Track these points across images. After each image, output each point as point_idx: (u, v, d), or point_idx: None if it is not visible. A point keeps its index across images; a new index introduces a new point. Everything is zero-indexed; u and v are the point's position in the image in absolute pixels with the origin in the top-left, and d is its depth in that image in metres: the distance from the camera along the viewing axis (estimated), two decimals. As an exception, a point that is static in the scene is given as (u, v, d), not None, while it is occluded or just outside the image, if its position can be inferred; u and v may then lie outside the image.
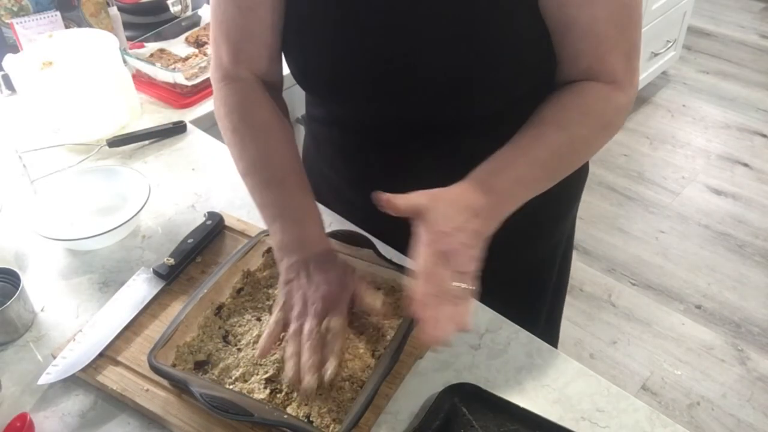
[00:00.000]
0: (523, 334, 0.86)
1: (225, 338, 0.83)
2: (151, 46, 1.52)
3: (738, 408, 1.88)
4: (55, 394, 0.82)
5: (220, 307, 0.86)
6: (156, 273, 0.92)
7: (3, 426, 0.77)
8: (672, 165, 2.75)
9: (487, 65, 0.79)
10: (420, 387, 0.79)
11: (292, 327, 0.77)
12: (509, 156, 0.77)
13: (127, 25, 1.53)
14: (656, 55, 2.89)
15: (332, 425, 0.73)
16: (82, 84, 1.21)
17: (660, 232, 2.45)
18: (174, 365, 0.80)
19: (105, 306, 0.89)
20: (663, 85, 3.20)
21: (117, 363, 0.82)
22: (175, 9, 1.58)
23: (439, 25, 0.77)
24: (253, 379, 0.77)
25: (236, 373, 0.78)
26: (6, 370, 0.85)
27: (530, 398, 0.78)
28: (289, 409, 0.74)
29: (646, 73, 2.92)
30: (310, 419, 0.73)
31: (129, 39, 1.52)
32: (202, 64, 1.41)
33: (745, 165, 2.74)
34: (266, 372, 0.78)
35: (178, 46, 1.52)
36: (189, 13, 1.61)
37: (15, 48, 1.37)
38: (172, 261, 0.92)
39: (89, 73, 1.22)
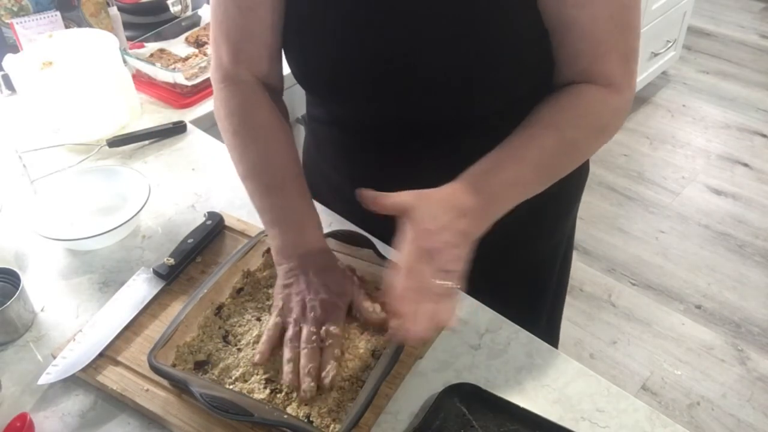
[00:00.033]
0: (523, 334, 0.86)
1: (225, 338, 0.83)
2: (151, 46, 1.52)
3: (738, 408, 1.88)
4: (55, 394, 0.82)
5: (220, 307, 0.86)
6: (156, 273, 0.92)
7: (3, 426, 0.77)
8: (672, 165, 2.75)
9: (487, 65, 0.79)
10: (420, 387, 0.79)
11: (290, 331, 0.77)
12: (500, 158, 0.76)
13: (127, 25, 1.53)
14: (656, 55, 2.89)
15: (332, 425, 0.73)
16: (82, 84, 1.21)
17: (660, 232, 2.45)
18: (174, 365, 0.80)
19: (105, 306, 0.89)
20: (663, 85, 3.20)
21: (117, 363, 0.82)
22: (175, 9, 1.58)
23: (439, 25, 0.77)
24: (253, 379, 0.77)
25: (236, 373, 0.78)
26: (6, 370, 0.85)
27: (530, 398, 0.78)
28: (289, 409, 0.74)
29: (646, 73, 2.92)
30: (310, 419, 0.73)
31: (129, 39, 1.52)
32: (202, 64, 1.41)
33: (745, 165, 2.74)
34: (266, 372, 0.78)
35: (178, 46, 1.52)
36: (189, 13, 1.61)
37: (15, 48, 1.37)
38: (172, 261, 0.92)
39: (89, 73, 1.22)
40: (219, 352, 0.81)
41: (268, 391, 0.76)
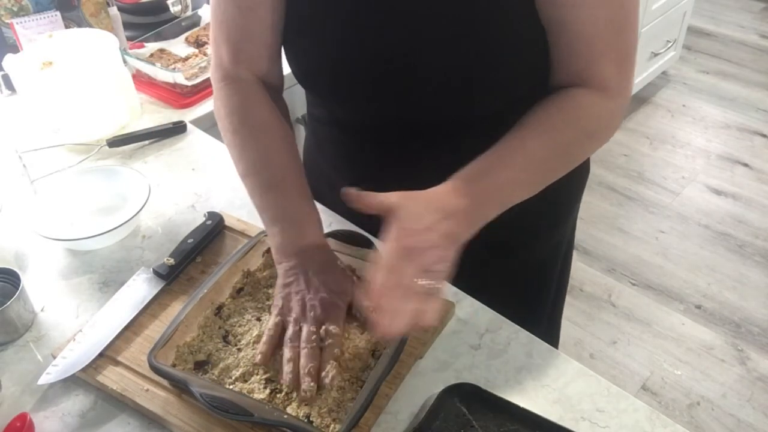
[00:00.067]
0: (523, 334, 0.86)
1: (225, 338, 0.83)
2: (151, 46, 1.52)
3: (738, 408, 1.88)
4: (55, 394, 0.82)
5: (220, 307, 0.86)
6: (156, 273, 0.92)
7: (3, 426, 0.77)
8: (672, 165, 2.75)
9: (487, 65, 0.79)
10: (420, 387, 0.79)
11: (290, 331, 0.77)
12: (489, 161, 0.76)
13: (127, 25, 1.53)
14: (656, 55, 2.89)
15: (332, 425, 0.73)
16: (82, 84, 1.21)
17: (660, 232, 2.45)
18: (174, 365, 0.80)
19: (105, 306, 0.89)
20: (663, 85, 3.20)
21: (117, 363, 0.82)
22: (175, 9, 1.58)
23: (439, 25, 0.77)
24: (253, 379, 0.77)
25: (236, 373, 0.78)
26: (6, 370, 0.85)
27: (530, 398, 0.78)
28: (289, 409, 0.74)
29: (646, 73, 2.92)
30: (310, 419, 0.73)
31: (129, 39, 1.52)
32: (202, 64, 1.41)
33: (745, 165, 2.74)
34: (266, 372, 0.78)
35: (178, 46, 1.52)
36: (189, 13, 1.61)
37: (15, 48, 1.37)
38: (172, 261, 0.92)
39: (89, 73, 1.22)
40: (219, 352, 0.81)
41: (268, 391, 0.76)
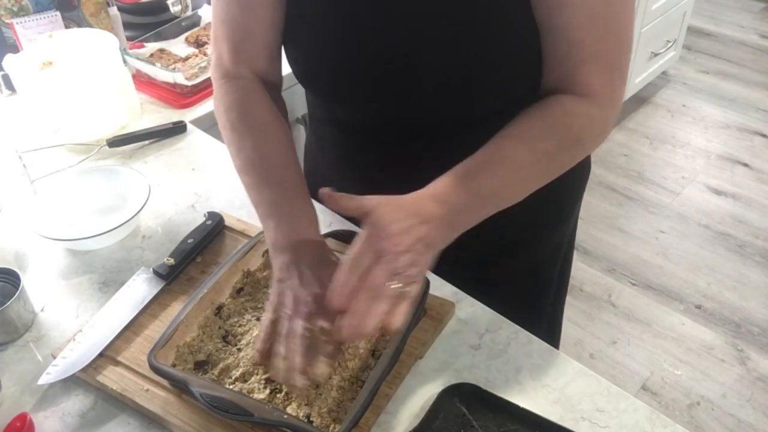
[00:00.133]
0: (523, 334, 0.86)
1: (225, 338, 0.83)
2: (151, 46, 1.52)
3: (738, 408, 1.88)
4: (55, 394, 0.82)
5: (220, 307, 0.86)
6: (156, 273, 0.92)
7: (3, 426, 0.77)
8: (672, 165, 2.75)
9: (487, 65, 0.79)
10: (420, 387, 0.79)
11: (283, 327, 0.77)
12: (469, 169, 0.75)
13: (127, 25, 1.53)
14: (656, 55, 2.89)
15: (332, 425, 0.73)
16: (82, 84, 1.21)
17: (660, 232, 2.45)
18: (174, 365, 0.80)
19: (105, 306, 0.89)
20: (663, 85, 3.20)
21: (117, 363, 0.82)
22: (175, 9, 1.58)
23: (439, 25, 0.77)
24: (253, 379, 0.77)
25: (236, 373, 0.78)
26: (6, 370, 0.85)
27: (530, 398, 0.78)
28: (289, 409, 0.74)
29: (646, 73, 2.92)
30: (310, 419, 0.73)
31: (129, 39, 1.53)
32: (202, 64, 1.41)
33: (745, 165, 2.74)
34: (266, 372, 0.78)
35: (178, 46, 1.53)
36: (189, 13, 1.61)
37: (15, 48, 1.38)
38: (172, 261, 0.92)
39: (89, 73, 1.22)
40: (219, 352, 0.81)
41: (268, 391, 0.76)
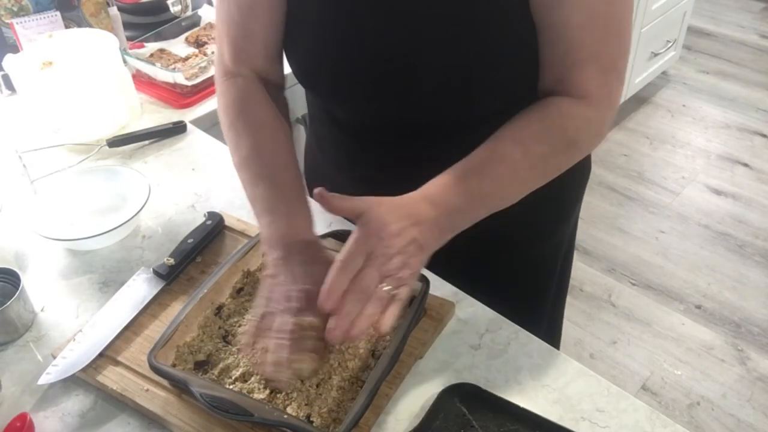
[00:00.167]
0: (523, 334, 0.86)
1: (225, 338, 0.83)
2: (151, 46, 1.52)
3: (738, 408, 1.88)
4: (55, 394, 0.82)
5: (220, 307, 0.86)
6: (156, 273, 0.92)
7: (3, 426, 0.77)
8: (672, 165, 2.75)
9: (487, 65, 0.78)
10: (420, 387, 0.79)
11: (270, 322, 0.76)
12: (462, 171, 0.75)
13: (127, 25, 1.53)
14: (656, 55, 2.89)
15: (332, 425, 0.73)
16: (82, 84, 1.21)
17: (660, 232, 2.45)
18: (174, 365, 0.80)
19: (105, 306, 0.89)
20: (663, 85, 3.20)
21: (117, 363, 0.82)
22: (175, 9, 1.58)
23: (439, 25, 0.77)
24: (253, 379, 0.77)
25: (236, 373, 0.78)
26: (6, 370, 0.85)
27: (530, 398, 0.78)
28: (289, 409, 0.74)
29: (646, 73, 2.92)
30: (310, 419, 0.73)
31: (129, 39, 1.53)
32: (202, 64, 1.41)
33: (745, 165, 2.74)
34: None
35: (178, 46, 1.53)
36: (189, 13, 1.61)
37: (15, 48, 1.38)
38: (172, 261, 0.92)
39: (89, 73, 1.22)
40: (219, 352, 0.81)
41: (268, 391, 0.76)
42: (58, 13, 1.39)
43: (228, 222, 1.01)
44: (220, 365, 0.79)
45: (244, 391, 0.76)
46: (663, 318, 2.14)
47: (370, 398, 0.73)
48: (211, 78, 1.40)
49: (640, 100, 3.08)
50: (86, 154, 1.20)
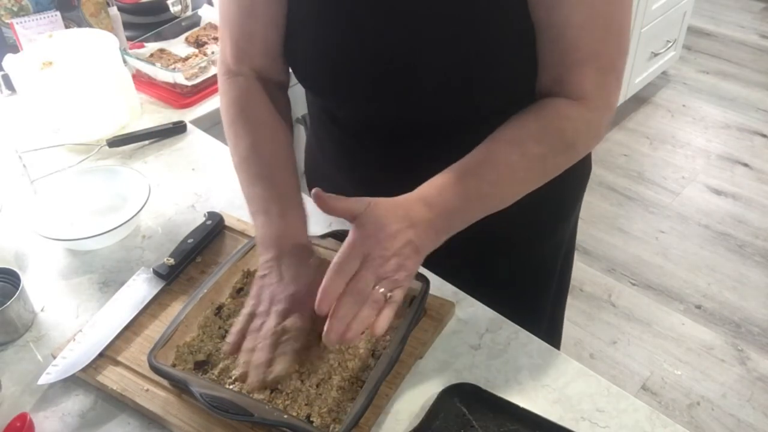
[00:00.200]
0: (523, 334, 0.86)
1: (225, 338, 0.83)
2: (151, 46, 1.52)
3: (738, 408, 1.88)
4: (55, 394, 0.82)
5: (220, 307, 0.86)
6: (156, 273, 0.92)
7: (3, 426, 0.77)
8: (672, 165, 2.75)
9: (487, 65, 0.78)
10: (420, 387, 0.79)
11: (254, 323, 0.76)
12: (458, 172, 0.75)
13: (127, 25, 1.53)
14: (656, 55, 2.89)
15: (332, 425, 0.73)
16: (82, 84, 1.21)
17: (660, 232, 2.45)
18: (174, 365, 0.80)
19: (105, 306, 0.89)
20: (663, 85, 3.20)
21: (117, 363, 0.82)
22: (175, 9, 1.58)
23: (439, 25, 0.77)
24: (253, 379, 0.77)
25: (236, 373, 0.78)
26: (6, 370, 0.85)
27: (530, 398, 0.78)
28: (289, 409, 0.74)
29: (646, 73, 2.92)
30: (310, 419, 0.73)
31: (129, 39, 1.53)
32: (202, 64, 1.41)
33: (745, 165, 2.74)
34: (266, 372, 0.77)
35: (178, 46, 1.53)
36: (189, 13, 1.61)
37: (15, 48, 1.38)
38: (172, 261, 0.92)
39: (89, 73, 1.22)
40: (219, 352, 0.81)
41: (268, 391, 0.76)
42: (58, 13, 1.40)
43: (228, 222, 1.01)
44: (220, 365, 0.79)
45: (244, 391, 0.76)
46: (663, 318, 2.14)
47: (370, 398, 0.73)
48: (211, 78, 1.40)
49: (640, 100, 3.08)
50: (86, 154, 1.20)
